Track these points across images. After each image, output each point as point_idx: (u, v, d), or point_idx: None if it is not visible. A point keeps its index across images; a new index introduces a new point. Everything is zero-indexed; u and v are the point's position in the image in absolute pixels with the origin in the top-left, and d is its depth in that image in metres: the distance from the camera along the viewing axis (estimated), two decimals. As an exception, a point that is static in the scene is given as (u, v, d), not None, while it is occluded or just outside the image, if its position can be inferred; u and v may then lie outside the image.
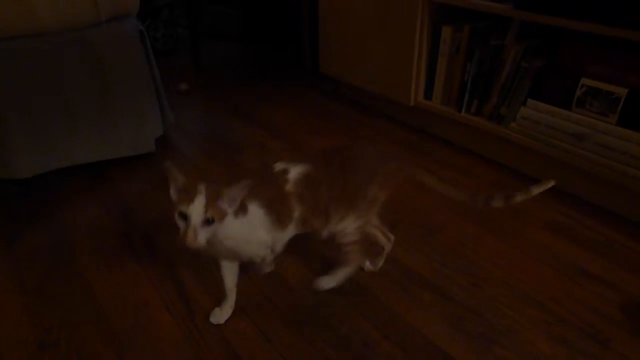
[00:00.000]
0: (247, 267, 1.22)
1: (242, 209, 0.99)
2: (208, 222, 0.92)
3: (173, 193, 0.95)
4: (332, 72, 2.31)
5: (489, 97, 1.72)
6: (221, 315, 1.17)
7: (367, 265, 1.30)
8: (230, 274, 1.16)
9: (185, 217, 0.91)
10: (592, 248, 1.38)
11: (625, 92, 1.38)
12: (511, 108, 1.66)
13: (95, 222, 1.52)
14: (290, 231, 1.11)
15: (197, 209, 0.90)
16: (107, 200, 1.63)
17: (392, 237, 1.31)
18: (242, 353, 1.09)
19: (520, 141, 1.64)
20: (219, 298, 1.20)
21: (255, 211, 1.03)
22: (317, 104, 2.34)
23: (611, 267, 1.32)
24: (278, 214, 1.06)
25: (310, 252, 1.37)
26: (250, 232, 1.03)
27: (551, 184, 1.06)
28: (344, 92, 2.39)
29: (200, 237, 0.91)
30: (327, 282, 1.19)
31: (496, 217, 1.50)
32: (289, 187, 1.06)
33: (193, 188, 0.92)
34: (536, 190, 1.06)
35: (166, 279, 1.30)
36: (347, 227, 1.12)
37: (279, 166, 1.10)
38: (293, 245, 1.16)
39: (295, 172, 1.08)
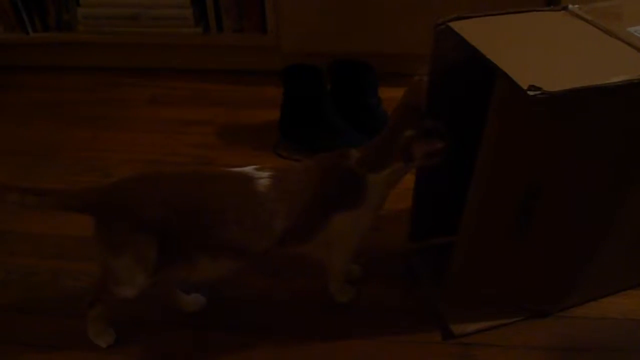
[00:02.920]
0: None
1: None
2: None
3: None
4: None
5: (47, 9, 1.71)
6: None
7: None
8: None
9: None
10: (186, 103, 1.67)
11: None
12: (71, 12, 1.70)
13: None
14: None
15: None
16: None
17: None
18: None
19: (93, 40, 1.73)
20: None
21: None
22: None
23: (199, 111, 1.63)
24: None
25: None
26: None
27: None
28: None
29: None
30: None
31: (109, 116, 1.62)
32: None
33: None
34: None
35: None
36: None
37: None
38: None
39: None
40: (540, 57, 0.69)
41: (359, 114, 1.45)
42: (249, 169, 0.83)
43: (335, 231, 0.85)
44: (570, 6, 0.81)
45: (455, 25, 0.76)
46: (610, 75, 0.62)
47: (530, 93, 0.59)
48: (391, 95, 1.60)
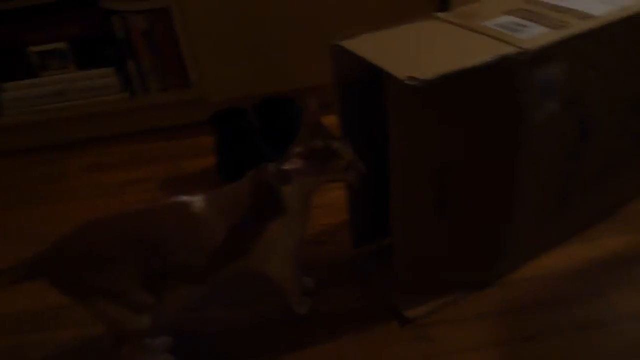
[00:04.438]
0: None
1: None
2: None
3: None
4: None
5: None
6: None
7: None
8: None
9: None
10: (125, 165, 1.72)
11: (65, 44, 1.66)
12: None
13: None
14: None
15: None
16: None
17: None
18: None
19: (21, 121, 1.76)
20: None
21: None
22: None
23: (139, 170, 1.68)
24: None
25: None
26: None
27: None
28: None
29: None
30: None
31: (50, 190, 1.64)
32: None
33: None
34: None
35: None
36: None
37: None
38: None
39: None
40: (416, 56, 0.83)
41: (291, 144, 1.55)
42: (181, 197, 0.90)
43: (271, 239, 0.93)
44: (437, 14, 0.96)
45: (346, 44, 0.89)
46: (470, 60, 0.75)
47: (408, 83, 0.71)
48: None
